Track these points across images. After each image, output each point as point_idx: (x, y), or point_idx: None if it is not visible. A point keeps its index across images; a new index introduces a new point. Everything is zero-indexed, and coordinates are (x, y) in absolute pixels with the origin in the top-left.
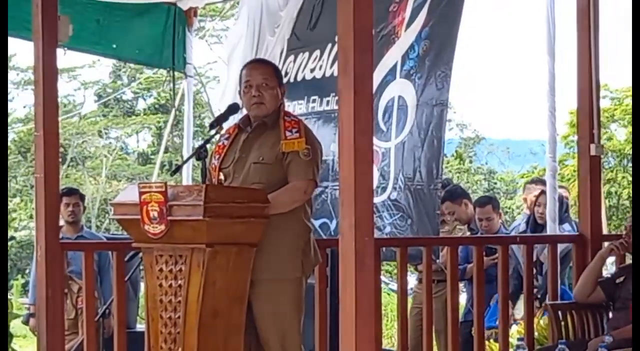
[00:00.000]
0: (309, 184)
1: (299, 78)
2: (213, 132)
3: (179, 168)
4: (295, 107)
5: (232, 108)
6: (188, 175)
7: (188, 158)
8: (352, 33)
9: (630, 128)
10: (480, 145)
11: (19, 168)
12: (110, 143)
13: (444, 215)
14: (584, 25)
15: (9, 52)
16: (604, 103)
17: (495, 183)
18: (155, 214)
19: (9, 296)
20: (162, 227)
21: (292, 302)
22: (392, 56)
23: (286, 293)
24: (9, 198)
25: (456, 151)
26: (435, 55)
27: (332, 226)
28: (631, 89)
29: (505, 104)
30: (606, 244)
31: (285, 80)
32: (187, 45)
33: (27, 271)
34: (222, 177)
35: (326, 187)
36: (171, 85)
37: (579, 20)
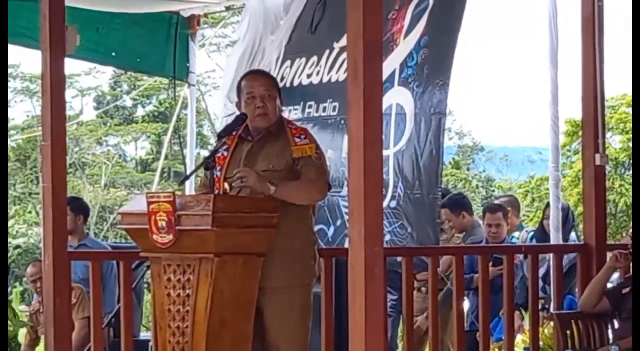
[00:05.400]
0: (324, 185)
1: (295, 83)
2: (223, 141)
3: (187, 178)
4: (291, 112)
5: (240, 119)
6: (191, 183)
7: (196, 168)
8: (361, 43)
9: (625, 136)
10: (478, 152)
11: (17, 176)
12: (108, 150)
13: (443, 223)
14: (588, 35)
15: (15, 61)
16: None
17: (493, 191)
18: (164, 224)
19: (9, 303)
20: (171, 236)
21: (301, 309)
22: (391, 63)
23: (296, 300)
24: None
25: (453, 159)
26: (433, 64)
27: (330, 232)
28: (631, 94)
29: (504, 111)
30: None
31: (280, 85)
32: (190, 54)
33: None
34: (226, 187)
35: None
36: (171, 92)
37: (583, 30)
